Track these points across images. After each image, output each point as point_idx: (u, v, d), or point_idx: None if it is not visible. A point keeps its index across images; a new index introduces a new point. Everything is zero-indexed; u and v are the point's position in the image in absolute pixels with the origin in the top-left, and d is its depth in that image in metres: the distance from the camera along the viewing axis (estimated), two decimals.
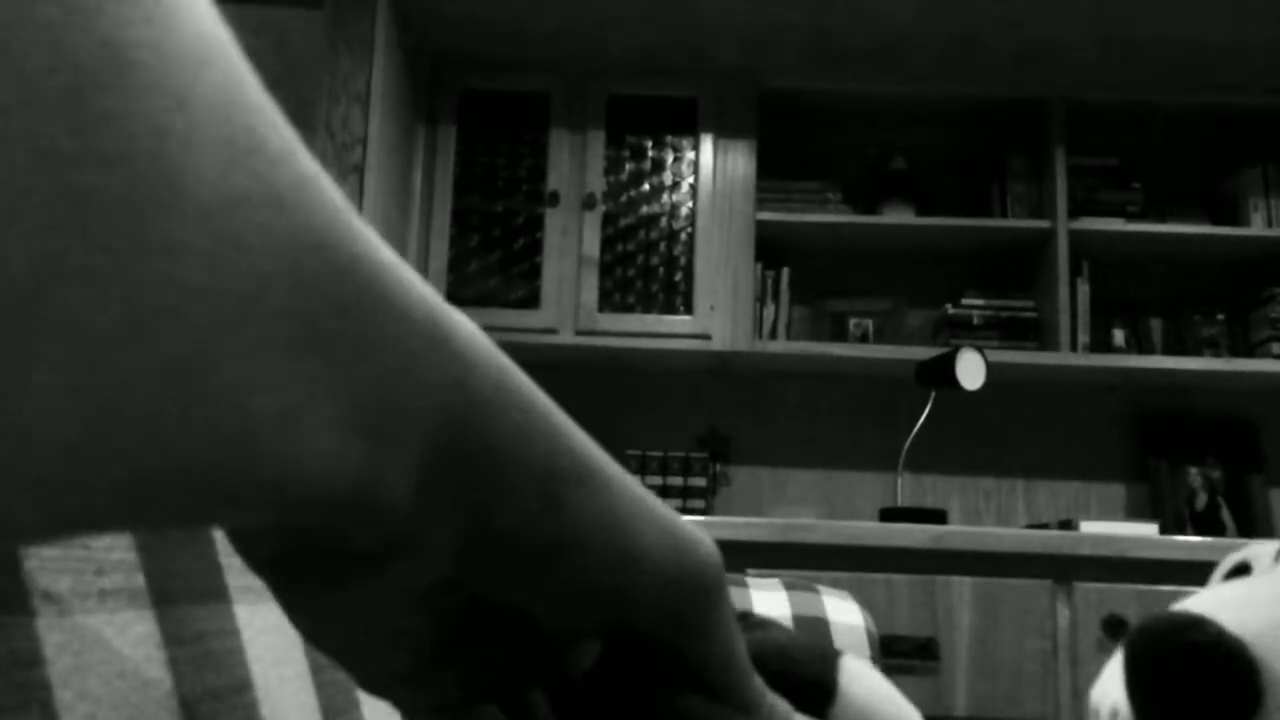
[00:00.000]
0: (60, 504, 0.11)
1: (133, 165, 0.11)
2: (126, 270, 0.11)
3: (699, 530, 0.21)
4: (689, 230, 2.74)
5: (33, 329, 0.10)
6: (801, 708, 0.24)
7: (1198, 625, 0.39)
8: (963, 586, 2.01)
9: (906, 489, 2.84)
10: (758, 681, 0.22)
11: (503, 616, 0.21)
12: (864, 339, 2.85)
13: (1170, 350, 2.86)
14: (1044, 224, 2.72)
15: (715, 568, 0.21)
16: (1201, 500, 2.75)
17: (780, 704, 0.23)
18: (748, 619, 0.29)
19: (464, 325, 0.17)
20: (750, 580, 1.00)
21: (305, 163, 0.14)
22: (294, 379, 0.13)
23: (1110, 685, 0.43)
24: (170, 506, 0.12)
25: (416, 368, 0.16)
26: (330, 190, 0.14)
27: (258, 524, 0.15)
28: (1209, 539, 2.02)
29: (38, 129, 0.10)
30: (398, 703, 0.21)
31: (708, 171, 2.75)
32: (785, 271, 2.80)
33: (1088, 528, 2.17)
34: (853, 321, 2.87)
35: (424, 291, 0.16)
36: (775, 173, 2.92)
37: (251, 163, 0.12)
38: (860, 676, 0.25)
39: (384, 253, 0.15)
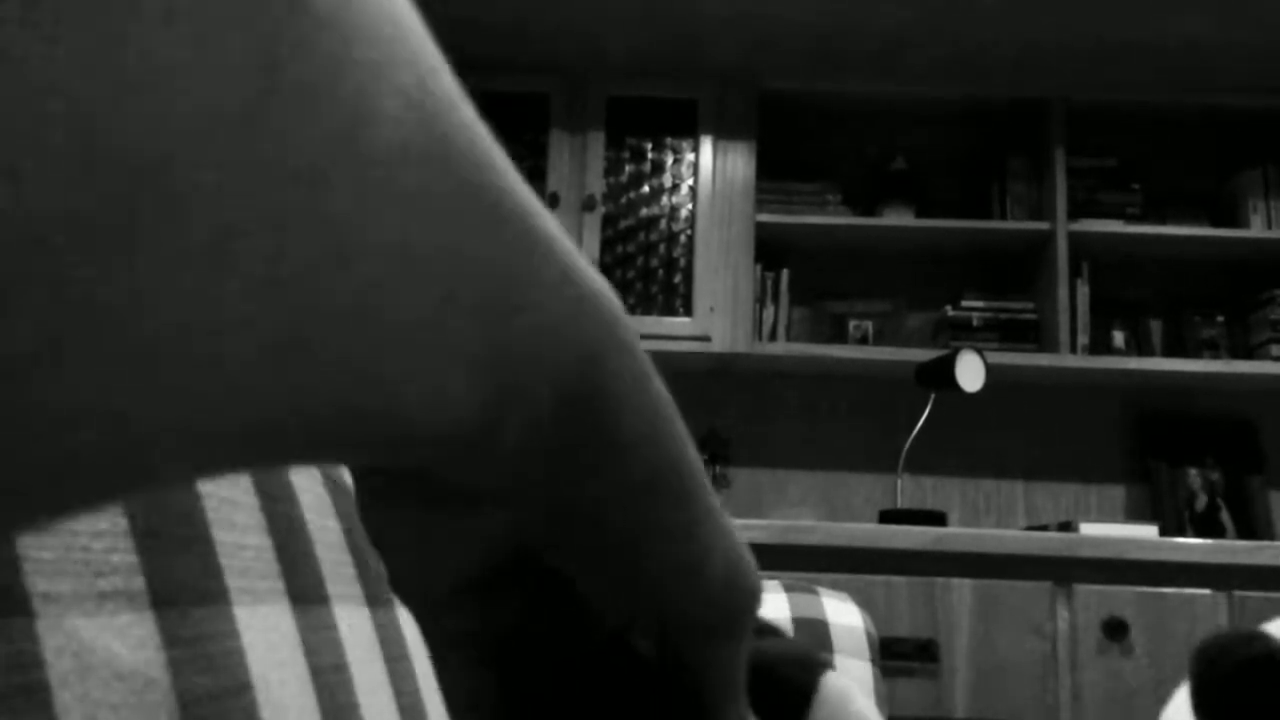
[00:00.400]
0: (230, 431, 0.11)
1: (333, 108, 0.11)
2: (320, 212, 0.11)
3: (750, 555, 0.22)
4: (689, 232, 2.74)
5: (227, 258, 0.10)
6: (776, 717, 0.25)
7: (1258, 638, 0.40)
8: (962, 588, 2.01)
9: (906, 491, 2.84)
10: (744, 709, 0.23)
11: (550, 577, 0.21)
12: (864, 340, 2.85)
13: (1170, 352, 2.86)
14: (1044, 225, 2.72)
15: (759, 592, 0.21)
16: (1201, 502, 2.75)
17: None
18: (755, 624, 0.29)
19: (610, 296, 0.18)
20: None
21: (468, 112, 0.14)
22: (449, 324, 0.14)
23: (1175, 713, 0.44)
24: (308, 441, 0.13)
25: (554, 327, 0.16)
26: (491, 142, 0.15)
27: (375, 461, 0.15)
28: (1209, 541, 2.02)
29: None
30: (424, 620, 0.22)
31: (707, 173, 2.75)
32: (785, 273, 2.80)
33: (1087, 529, 2.17)
34: (852, 323, 2.87)
35: (576, 256, 0.17)
36: (775, 174, 2.92)
37: (421, 112, 0.13)
38: (834, 699, 0.26)
39: (544, 213, 0.16)
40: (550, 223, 0.16)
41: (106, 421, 0.10)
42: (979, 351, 2.29)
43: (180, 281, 0.10)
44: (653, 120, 2.80)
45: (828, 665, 0.27)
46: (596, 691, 0.23)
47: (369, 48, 0.12)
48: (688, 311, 2.69)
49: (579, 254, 0.17)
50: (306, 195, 0.11)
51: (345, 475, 0.36)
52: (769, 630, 0.28)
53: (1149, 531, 2.15)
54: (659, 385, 0.19)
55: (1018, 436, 2.86)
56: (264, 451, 0.12)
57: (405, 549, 0.20)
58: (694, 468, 0.19)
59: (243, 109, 0.10)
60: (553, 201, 2.73)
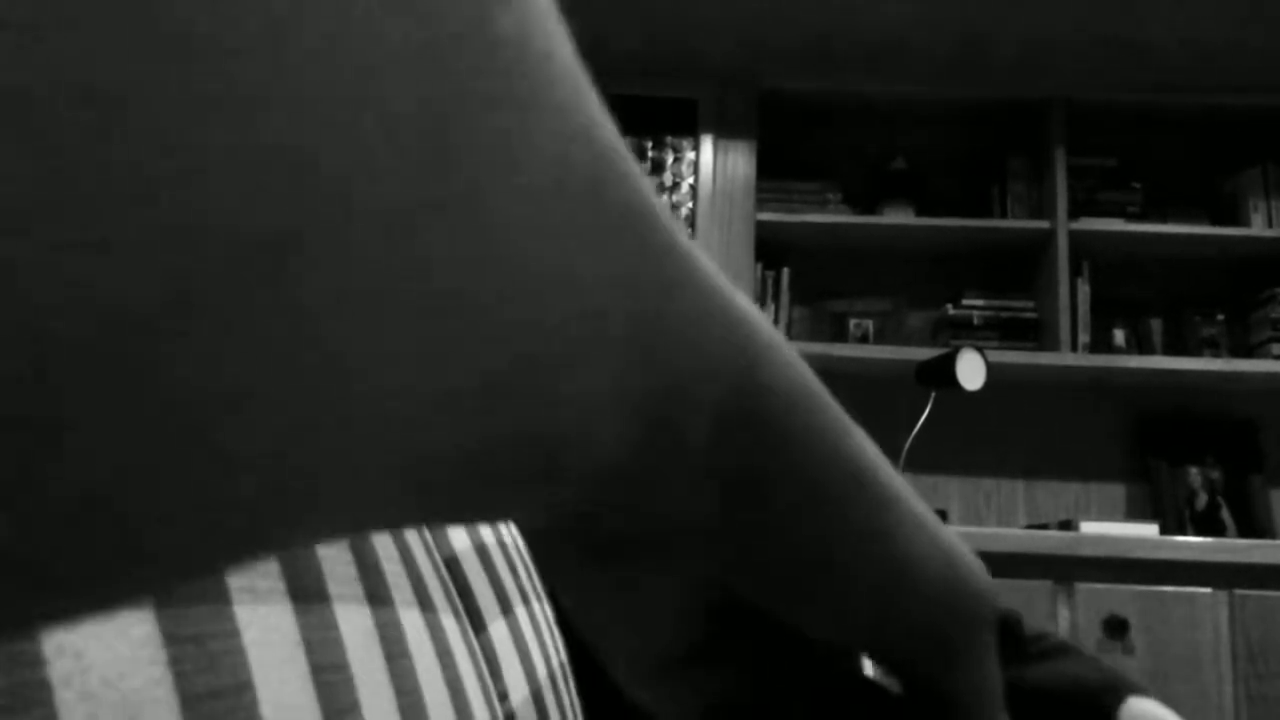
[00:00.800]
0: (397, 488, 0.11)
1: (496, 127, 0.10)
2: (485, 242, 0.10)
3: (978, 560, 0.21)
4: (689, 231, 2.75)
5: (390, 272, 0.09)
6: None
7: None
8: None
9: None
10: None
11: (763, 624, 0.21)
12: (864, 339, 2.85)
13: (1170, 350, 2.86)
14: (1044, 224, 2.72)
15: (990, 600, 0.20)
16: (1201, 500, 2.75)
17: None
18: (1044, 639, 0.27)
19: (754, 310, 0.17)
20: None
21: (611, 134, 0.13)
22: (605, 357, 0.13)
23: None
24: (472, 482, 0.12)
25: (708, 346, 0.15)
26: (636, 168, 0.14)
27: (541, 511, 0.15)
28: (1209, 539, 2.02)
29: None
30: (654, 703, 0.21)
31: (708, 172, 2.75)
32: (785, 272, 2.80)
33: (1088, 528, 2.17)
34: (853, 322, 2.87)
35: (718, 274, 0.16)
36: (775, 173, 2.92)
37: (573, 134, 0.12)
38: None
39: (683, 233, 0.15)
40: (691, 244, 0.16)
41: (269, 466, 0.09)
42: (979, 350, 2.29)
43: (342, 320, 0.09)
44: (653, 119, 2.80)
45: (1135, 689, 0.25)
46: None
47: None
48: None
49: (720, 273, 0.17)
50: (466, 219, 0.10)
51: None
52: (1063, 649, 0.26)
53: (1149, 530, 2.15)
54: (824, 395, 0.18)
55: (1018, 435, 2.86)
56: (423, 499, 0.12)
57: (607, 625, 0.19)
58: (879, 472, 0.19)
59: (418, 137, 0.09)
60: None
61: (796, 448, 0.17)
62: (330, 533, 0.11)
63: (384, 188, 0.09)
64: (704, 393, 0.16)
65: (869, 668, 0.23)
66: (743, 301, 0.17)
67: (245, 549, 0.10)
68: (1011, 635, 0.25)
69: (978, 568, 0.20)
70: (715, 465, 0.16)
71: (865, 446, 0.19)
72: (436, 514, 0.12)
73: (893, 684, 0.22)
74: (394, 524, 0.12)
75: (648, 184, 0.14)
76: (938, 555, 0.19)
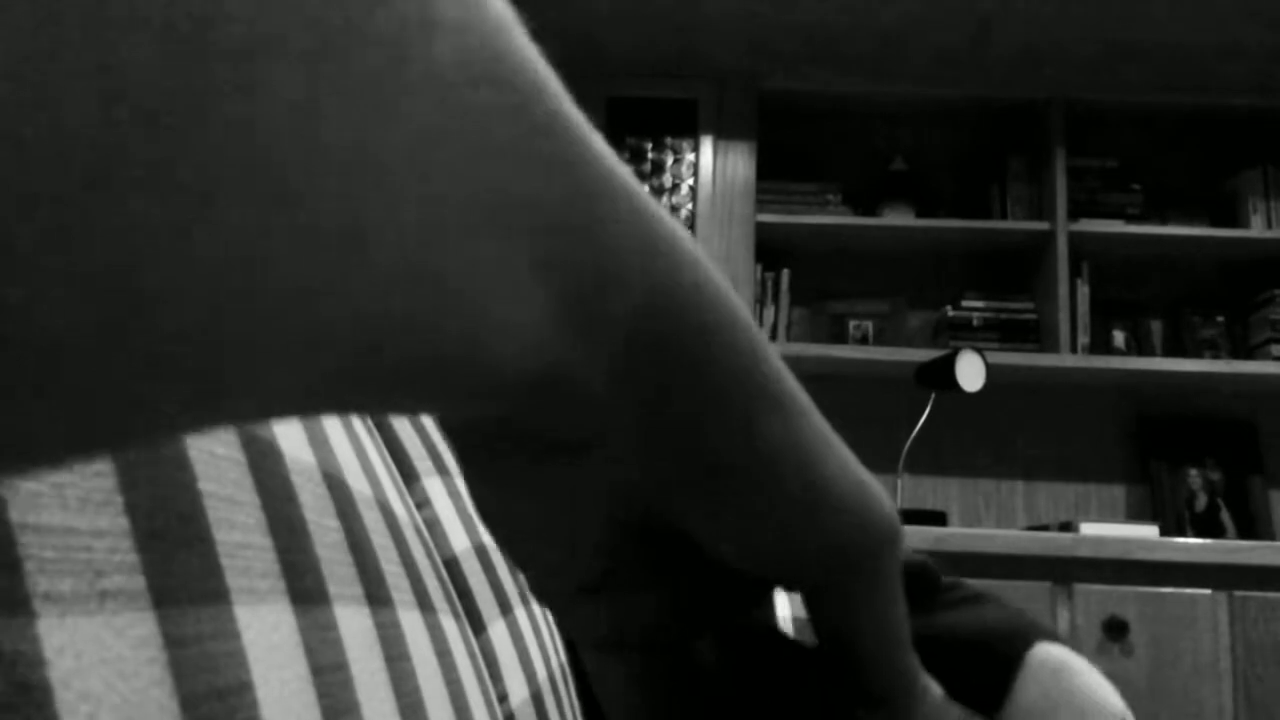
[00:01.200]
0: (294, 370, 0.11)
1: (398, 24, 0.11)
2: (374, 126, 0.11)
3: (886, 494, 0.21)
4: (689, 231, 2.75)
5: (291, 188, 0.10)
6: (983, 694, 0.23)
7: None
8: None
9: (906, 490, 2.84)
10: (912, 661, 0.21)
11: (682, 556, 0.21)
12: (864, 340, 2.85)
13: (1170, 352, 2.86)
14: (1044, 225, 2.72)
15: (897, 526, 0.20)
16: (1201, 502, 2.75)
17: (933, 688, 0.22)
18: (959, 588, 0.26)
19: (680, 231, 0.17)
20: None
21: (525, 44, 0.14)
22: (520, 255, 0.14)
23: None
24: (376, 383, 0.12)
25: (627, 255, 0.16)
26: (551, 75, 0.14)
27: (461, 411, 0.15)
28: (1209, 541, 2.02)
29: None
30: (567, 622, 0.21)
31: (707, 173, 2.75)
32: (785, 273, 2.80)
33: (1087, 529, 2.17)
34: (853, 323, 2.87)
35: (635, 182, 0.16)
36: (775, 174, 2.92)
37: (479, 37, 0.12)
38: (1043, 674, 0.23)
39: (601, 143, 0.15)
40: (615, 159, 0.16)
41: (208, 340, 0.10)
42: (979, 351, 2.29)
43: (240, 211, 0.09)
44: (652, 120, 2.80)
45: (1045, 634, 0.23)
46: (754, 685, 0.22)
47: None
48: None
49: (647, 193, 0.17)
50: (374, 110, 0.11)
51: (343, 473, 0.36)
52: (977, 597, 0.25)
53: (1149, 531, 2.15)
54: (744, 316, 0.18)
55: (1018, 436, 2.86)
56: (341, 389, 0.12)
57: (524, 538, 0.19)
58: (795, 395, 0.19)
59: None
60: None
61: (713, 365, 0.17)
62: (251, 410, 0.11)
63: (288, 69, 0.09)
64: (621, 303, 0.16)
65: (784, 621, 0.23)
66: (668, 221, 0.17)
67: (178, 419, 0.10)
68: (925, 582, 0.25)
69: (885, 499, 0.20)
70: (631, 376, 0.17)
71: (783, 370, 0.19)
72: (354, 405, 0.13)
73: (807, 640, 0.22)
74: (314, 409, 0.12)
75: (566, 98, 0.15)
76: (848, 479, 0.19)
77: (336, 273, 0.11)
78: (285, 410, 0.12)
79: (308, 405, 0.12)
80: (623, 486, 0.18)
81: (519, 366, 0.14)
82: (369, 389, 0.12)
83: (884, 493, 0.20)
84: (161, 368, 0.10)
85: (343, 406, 0.13)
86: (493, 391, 0.15)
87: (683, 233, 0.18)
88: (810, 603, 0.21)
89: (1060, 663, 0.22)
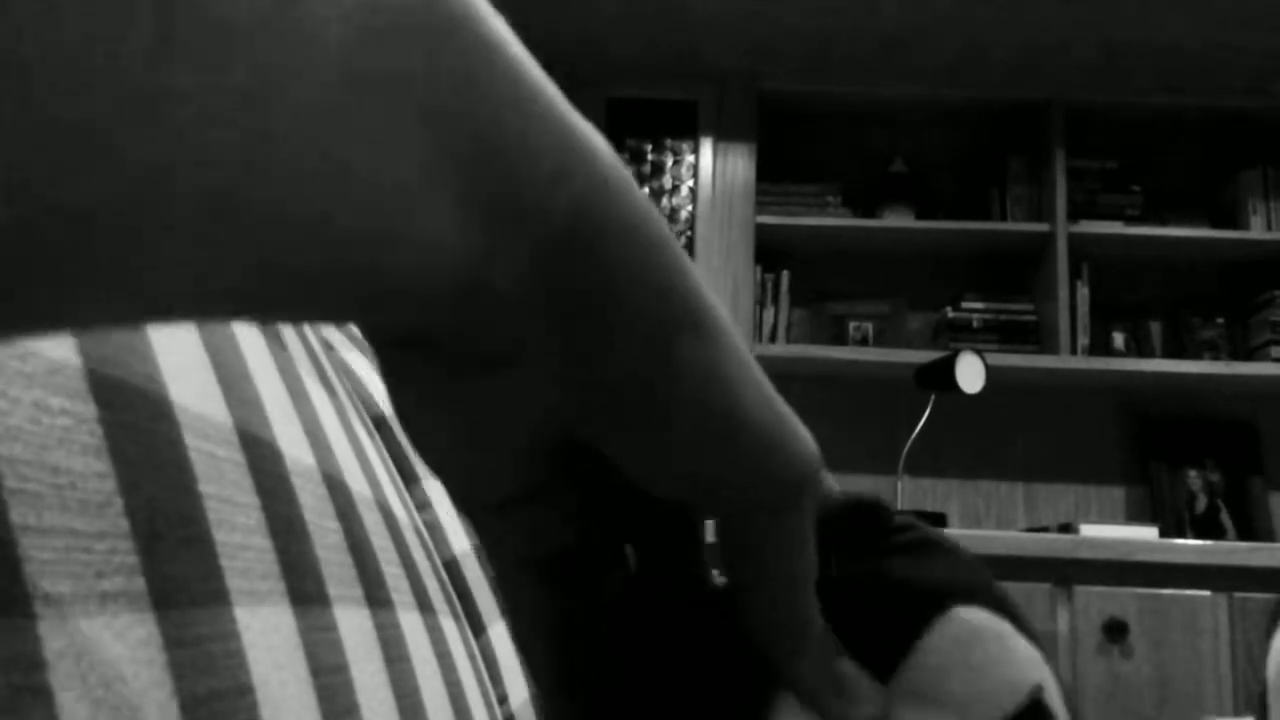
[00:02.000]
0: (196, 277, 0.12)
1: None
2: (255, 34, 0.11)
3: (807, 432, 0.20)
4: (689, 233, 2.75)
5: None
6: (887, 654, 0.22)
7: None
8: None
9: (906, 492, 2.84)
10: (811, 610, 0.21)
11: (600, 472, 0.21)
12: (864, 342, 2.85)
13: (1170, 353, 2.86)
14: (1044, 227, 2.72)
15: (814, 466, 0.20)
16: (1201, 503, 2.75)
17: (828, 642, 0.21)
18: (911, 530, 0.25)
19: (597, 140, 0.17)
20: None
21: None
22: (415, 149, 0.14)
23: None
24: (285, 287, 0.13)
25: (536, 156, 0.16)
26: None
27: (375, 319, 0.15)
28: (1209, 542, 2.02)
29: None
30: (485, 539, 0.21)
31: (707, 175, 2.75)
32: (785, 274, 2.80)
33: (1087, 531, 2.17)
34: (852, 324, 2.87)
35: (548, 82, 0.16)
36: (775, 176, 2.92)
37: None
38: (945, 642, 0.22)
39: (515, 43, 0.16)
40: (531, 63, 0.16)
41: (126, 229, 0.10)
42: (979, 353, 2.29)
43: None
44: (652, 122, 2.80)
45: (972, 597, 0.22)
46: (665, 621, 0.22)
47: None
48: None
49: (564, 99, 0.17)
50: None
51: (343, 474, 0.36)
52: (924, 544, 0.23)
53: (1149, 533, 2.15)
54: (663, 226, 0.18)
55: (1018, 438, 2.86)
56: (262, 291, 0.12)
57: (445, 449, 0.19)
58: (715, 315, 0.19)
59: None
60: None
61: (631, 279, 0.17)
62: (170, 306, 0.12)
63: None
64: (535, 206, 0.16)
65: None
66: (586, 128, 0.17)
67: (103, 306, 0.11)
68: (873, 521, 0.24)
69: (807, 438, 0.20)
70: (546, 286, 0.17)
71: (703, 289, 0.19)
72: (271, 309, 0.13)
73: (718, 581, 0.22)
74: (231, 311, 0.13)
75: (486, 7, 0.15)
76: (768, 410, 0.19)
77: (239, 169, 0.11)
78: (202, 309, 0.12)
79: (225, 308, 0.12)
80: (542, 403, 0.18)
81: (431, 272, 0.15)
82: (283, 292, 0.13)
83: (806, 433, 0.20)
84: (79, 259, 0.10)
85: (259, 310, 0.13)
86: (406, 299, 0.15)
87: (601, 140, 0.17)
88: (720, 533, 0.21)
89: (971, 633, 0.20)
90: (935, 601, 0.21)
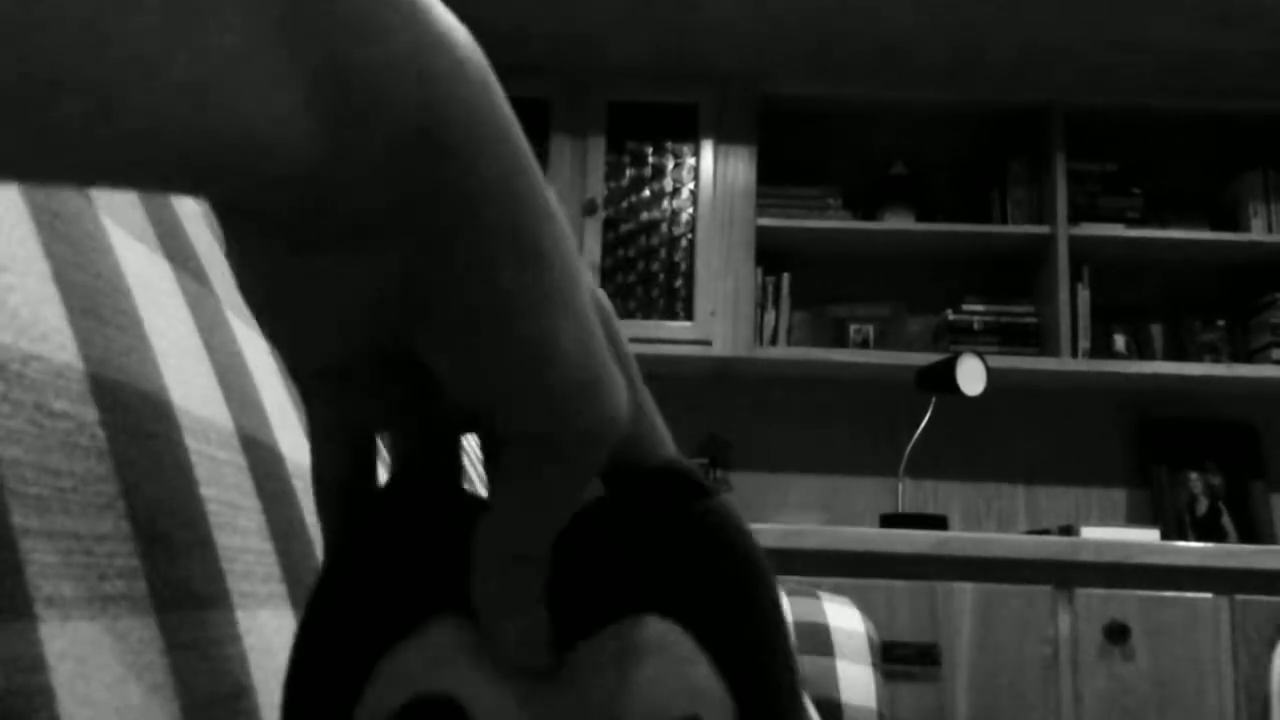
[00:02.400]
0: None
1: None
2: None
3: (620, 387, 0.20)
4: (690, 236, 2.75)
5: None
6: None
7: None
8: (964, 592, 2.00)
9: (907, 495, 2.84)
10: (533, 581, 0.20)
11: (409, 366, 0.21)
12: (864, 345, 2.85)
13: (1171, 355, 2.86)
14: (1044, 229, 2.72)
15: (612, 424, 0.20)
16: (1202, 506, 2.75)
17: (540, 613, 0.21)
18: (709, 514, 0.24)
19: (459, 34, 0.18)
20: None
21: None
22: (270, 54, 0.14)
23: None
24: (143, 165, 0.14)
25: (399, 68, 0.16)
26: None
27: (214, 186, 0.16)
28: (1210, 545, 2.02)
29: None
30: (307, 403, 0.22)
31: (708, 177, 2.75)
32: (786, 277, 2.80)
33: (1088, 533, 2.17)
34: (853, 327, 2.87)
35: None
36: (776, 178, 2.92)
37: None
38: (602, 654, 0.21)
39: None
40: None
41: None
42: (980, 355, 2.29)
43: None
44: (654, 124, 2.80)
45: (664, 608, 0.21)
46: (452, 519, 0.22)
47: None
48: (689, 315, 2.69)
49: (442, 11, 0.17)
50: None
51: None
52: (699, 528, 0.22)
53: (1150, 535, 2.15)
54: (517, 144, 0.18)
55: (1019, 440, 2.86)
56: (123, 166, 0.14)
57: (287, 319, 0.20)
58: (550, 246, 0.19)
59: None
60: None
61: (471, 194, 0.18)
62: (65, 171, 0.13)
63: None
64: (386, 115, 0.16)
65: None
66: (449, 26, 0.17)
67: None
68: (681, 489, 0.23)
69: (616, 398, 0.20)
70: (393, 185, 0.17)
71: (548, 219, 0.19)
72: (126, 179, 0.14)
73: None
74: (92, 179, 0.14)
75: None
76: (582, 358, 0.19)
77: (90, 53, 0.12)
78: (70, 174, 0.14)
79: (90, 174, 0.14)
80: (372, 290, 0.19)
81: (283, 160, 0.15)
82: (141, 167, 0.14)
83: (619, 397, 0.20)
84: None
85: (115, 179, 0.14)
86: (248, 177, 0.15)
87: (473, 56, 0.18)
88: (486, 447, 0.21)
89: (625, 649, 0.20)
90: (635, 600, 0.21)
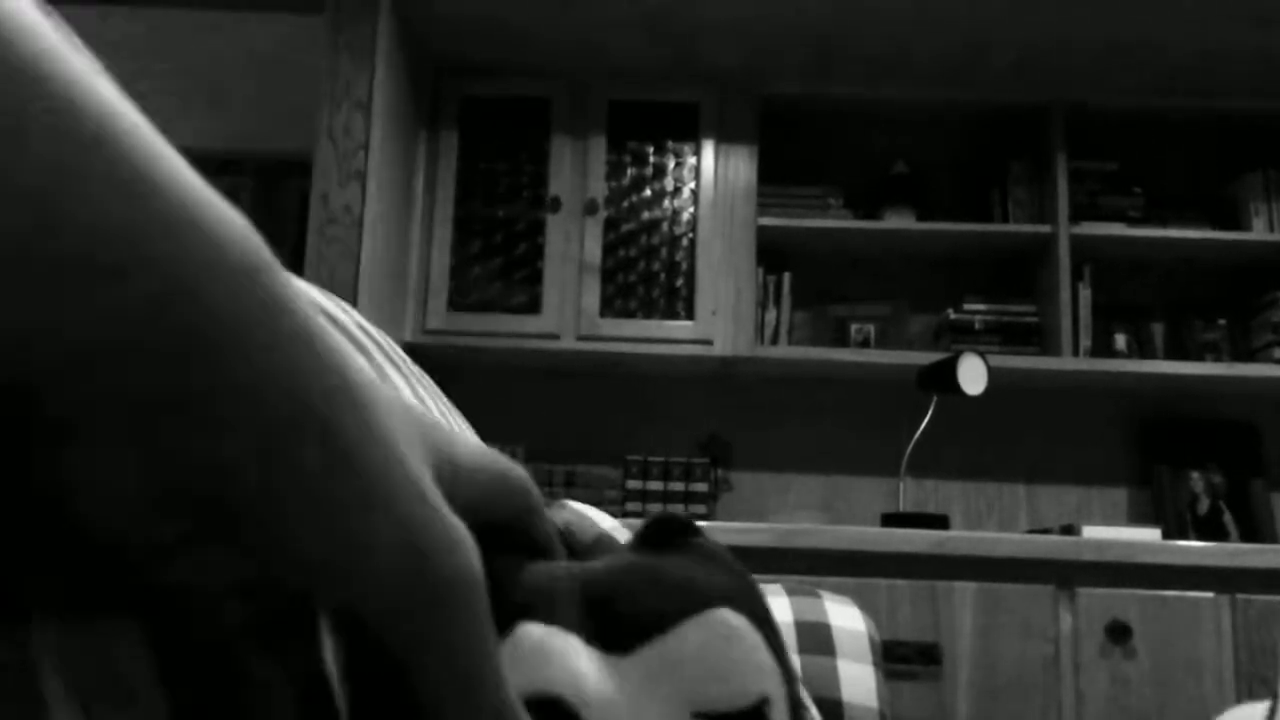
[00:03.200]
0: None
1: None
2: None
3: (462, 529, 0.19)
4: (690, 236, 2.75)
5: None
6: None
7: None
8: (965, 592, 2.00)
9: (908, 494, 2.84)
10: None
11: None
12: (865, 344, 2.85)
13: (1172, 355, 2.85)
14: (1045, 229, 2.72)
15: (467, 580, 0.18)
16: (1204, 505, 2.75)
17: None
18: (701, 545, 0.26)
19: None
20: None
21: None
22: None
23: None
24: None
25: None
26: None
27: None
28: (1211, 544, 2.02)
29: None
30: None
31: (709, 177, 2.75)
32: (787, 277, 2.80)
33: (1090, 533, 2.17)
34: (854, 326, 2.87)
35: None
36: (776, 178, 2.92)
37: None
38: (702, 630, 0.23)
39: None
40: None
41: None
42: (981, 355, 2.29)
43: None
44: (654, 124, 2.80)
45: (737, 600, 0.23)
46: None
47: None
48: (689, 315, 2.69)
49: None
50: None
51: None
52: (705, 554, 0.24)
53: (1152, 534, 2.15)
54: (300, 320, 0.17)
55: (1020, 439, 2.86)
56: None
57: None
58: (341, 405, 0.17)
59: None
60: (554, 205, 2.74)
61: (239, 367, 0.16)
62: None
63: None
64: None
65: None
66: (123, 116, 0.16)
67: None
68: (662, 529, 0.26)
69: (454, 540, 0.18)
70: None
71: (344, 384, 0.18)
72: None
73: None
74: None
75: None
76: (400, 526, 0.18)
77: None
78: None
79: None
80: None
81: None
82: None
83: (460, 537, 0.19)
84: None
85: None
86: None
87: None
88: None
89: (727, 630, 0.22)
90: (699, 597, 0.23)
